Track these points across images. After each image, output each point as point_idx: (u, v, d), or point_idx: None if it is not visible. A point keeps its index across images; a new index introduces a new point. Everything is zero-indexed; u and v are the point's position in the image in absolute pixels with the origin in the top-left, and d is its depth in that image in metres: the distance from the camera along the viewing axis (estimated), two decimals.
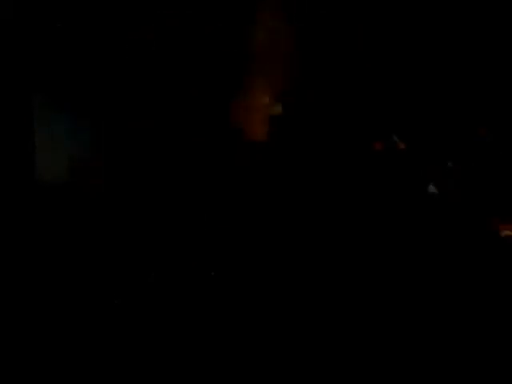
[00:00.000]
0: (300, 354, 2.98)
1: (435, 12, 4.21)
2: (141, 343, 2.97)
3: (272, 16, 4.26)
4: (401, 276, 3.27)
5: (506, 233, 3.29)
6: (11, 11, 3.74)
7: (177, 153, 4.07)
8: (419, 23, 4.24)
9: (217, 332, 3.02)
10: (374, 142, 4.14)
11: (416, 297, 3.14)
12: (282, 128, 3.69)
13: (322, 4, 4.21)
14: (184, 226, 3.55)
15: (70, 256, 3.80)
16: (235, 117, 3.70)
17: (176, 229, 3.62)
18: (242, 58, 4.26)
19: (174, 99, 4.03)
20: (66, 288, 3.39)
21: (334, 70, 4.40)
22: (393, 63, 4.36)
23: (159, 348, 2.97)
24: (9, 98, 3.83)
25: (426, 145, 4.07)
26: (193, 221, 3.54)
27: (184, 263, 3.31)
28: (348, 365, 2.97)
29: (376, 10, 4.24)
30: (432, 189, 3.79)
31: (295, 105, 3.72)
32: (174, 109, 4.03)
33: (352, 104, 4.41)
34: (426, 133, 4.20)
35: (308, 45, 4.35)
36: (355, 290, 3.20)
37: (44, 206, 3.96)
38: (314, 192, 3.77)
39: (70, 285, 3.42)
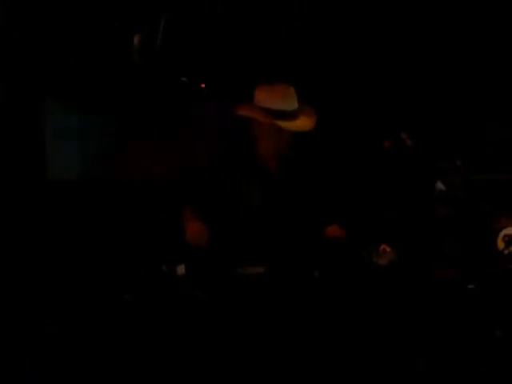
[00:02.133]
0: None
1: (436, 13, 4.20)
2: (148, 339, 3.00)
3: None
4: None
5: (509, 230, 3.26)
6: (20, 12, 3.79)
7: None
8: (426, 23, 4.23)
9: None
10: (383, 140, 4.14)
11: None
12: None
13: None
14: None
15: (80, 250, 3.84)
16: None
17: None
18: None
19: None
20: (76, 282, 3.42)
21: (341, 69, 4.40)
22: (400, 61, 4.35)
23: (167, 345, 2.99)
24: (19, 98, 3.87)
25: (434, 142, 4.06)
26: None
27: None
28: None
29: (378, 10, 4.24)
30: (440, 186, 3.78)
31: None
32: None
33: (360, 102, 4.41)
34: (434, 130, 4.19)
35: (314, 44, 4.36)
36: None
37: (55, 203, 4.00)
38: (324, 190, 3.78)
39: (79, 279, 3.45)
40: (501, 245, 3.33)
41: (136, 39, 3.80)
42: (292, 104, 3.57)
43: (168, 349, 3.00)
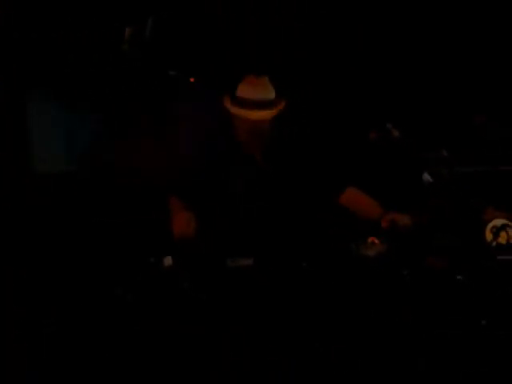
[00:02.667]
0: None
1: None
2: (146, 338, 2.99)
3: None
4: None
5: (497, 222, 3.27)
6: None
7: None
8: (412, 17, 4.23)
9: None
10: (369, 131, 4.13)
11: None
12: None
13: None
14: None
15: (72, 247, 3.81)
16: None
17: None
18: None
19: None
20: (74, 282, 3.39)
21: (327, 61, 4.40)
22: (385, 52, 4.35)
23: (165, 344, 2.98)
24: (4, 92, 3.83)
25: (420, 133, 4.06)
26: None
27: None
28: None
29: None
30: (427, 177, 3.78)
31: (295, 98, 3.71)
32: None
33: (346, 93, 4.40)
34: (420, 120, 4.19)
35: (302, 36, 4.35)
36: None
37: (41, 196, 3.97)
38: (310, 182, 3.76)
39: (75, 278, 3.42)
40: (489, 236, 3.34)
41: (127, 31, 3.77)
42: (261, 94, 3.57)
43: (168, 349, 2.99)
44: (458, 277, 3.20)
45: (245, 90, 3.60)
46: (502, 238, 3.32)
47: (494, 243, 3.32)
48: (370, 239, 3.39)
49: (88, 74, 4.09)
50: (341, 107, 4.37)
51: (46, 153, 4.16)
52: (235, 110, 3.59)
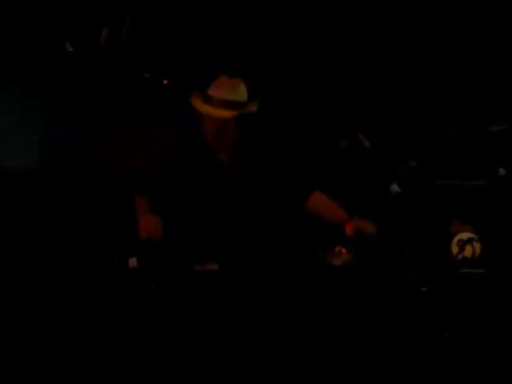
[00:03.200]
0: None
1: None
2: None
3: None
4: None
5: (463, 235, 3.29)
6: None
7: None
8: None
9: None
10: (339, 140, 4.13)
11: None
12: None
13: None
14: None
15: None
16: None
17: None
18: None
19: None
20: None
21: (302, 66, 4.40)
22: (360, 61, 4.36)
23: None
24: None
25: (390, 143, 4.08)
26: None
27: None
28: None
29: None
30: (395, 188, 3.80)
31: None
32: None
33: (317, 102, 4.40)
34: (390, 131, 4.21)
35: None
36: None
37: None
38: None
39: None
40: (455, 249, 3.36)
41: (104, 32, 3.75)
42: (228, 94, 3.58)
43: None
44: (423, 288, 3.22)
45: (213, 89, 3.61)
46: (468, 252, 3.34)
47: (460, 256, 3.35)
48: (338, 248, 3.39)
49: (60, 72, 4.05)
50: (314, 114, 4.37)
51: (8, 149, 4.11)
52: (199, 106, 3.60)
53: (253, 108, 3.64)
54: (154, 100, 4.29)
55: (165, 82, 4.20)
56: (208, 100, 3.59)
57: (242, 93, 3.63)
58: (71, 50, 3.96)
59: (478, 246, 3.34)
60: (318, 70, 4.41)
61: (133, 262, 3.27)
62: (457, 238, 3.36)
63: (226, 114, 3.58)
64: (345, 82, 4.37)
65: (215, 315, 3.04)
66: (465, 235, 3.35)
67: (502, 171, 3.81)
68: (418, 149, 4.02)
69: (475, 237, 3.35)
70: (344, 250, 3.39)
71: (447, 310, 3.15)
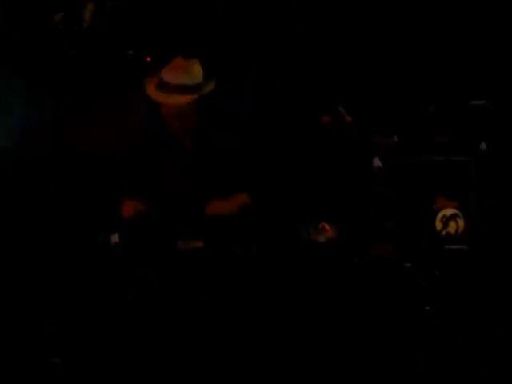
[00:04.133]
0: None
1: None
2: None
3: None
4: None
5: (447, 211, 3.28)
6: None
7: None
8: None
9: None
10: (321, 115, 4.09)
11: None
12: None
13: None
14: None
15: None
16: None
17: None
18: None
19: None
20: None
21: (280, 42, 4.37)
22: (341, 37, 4.34)
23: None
24: None
25: (372, 118, 4.06)
26: None
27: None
28: None
29: None
30: (377, 162, 3.77)
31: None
32: None
33: (299, 76, 4.37)
34: (373, 106, 4.19)
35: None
36: None
37: None
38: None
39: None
40: (439, 225, 3.35)
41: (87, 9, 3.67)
42: (182, 78, 3.46)
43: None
44: (406, 264, 3.21)
45: (167, 74, 3.45)
46: (452, 228, 3.34)
47: (444, 232, 3.34)
48: (321, 225, 3.37)
49: (38, 51, 3.97)
50: (294, 89, 4.34)
51: None
52: (154, 95, 3.47)
53: (210, 88, 3.52)
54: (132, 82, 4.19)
55: (148, 59, 4.11)
56: (162, 87, 3.45)
57: (197, 74, 3.49)
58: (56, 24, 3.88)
59: (461, 222, 3.34)
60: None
61: (115, 238, 3.26)
62: (441, 214, 3.35)
63: (183, 99, 3.43)
64: (327, 56, 4.35)
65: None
66: (449, 211, 3.35)
67: (483, 146, 3.80)
68: (400, 124, 4.01)
69: (459, 213, 3.35)
70: (327, 226, 3.36)
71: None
